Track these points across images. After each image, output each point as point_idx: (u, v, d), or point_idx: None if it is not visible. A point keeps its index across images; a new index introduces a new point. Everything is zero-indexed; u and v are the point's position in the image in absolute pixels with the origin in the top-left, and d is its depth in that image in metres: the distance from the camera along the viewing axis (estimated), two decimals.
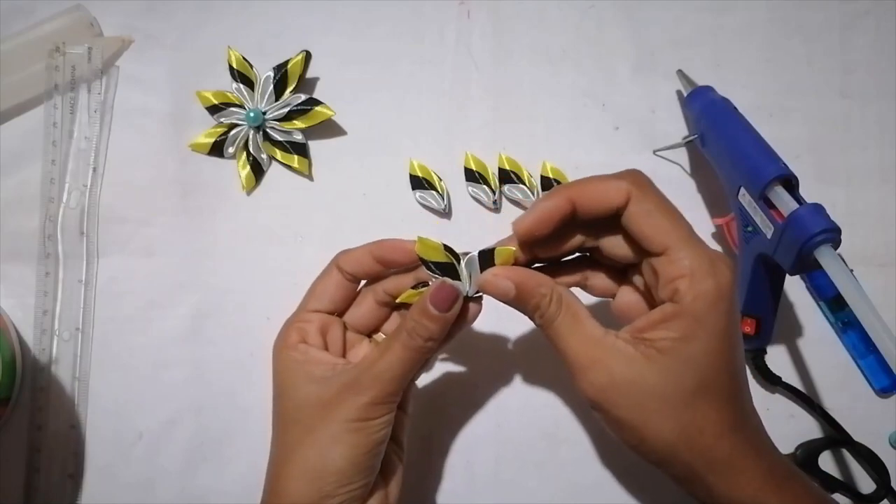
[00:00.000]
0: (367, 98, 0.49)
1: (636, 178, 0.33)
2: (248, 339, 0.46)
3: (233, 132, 0.48)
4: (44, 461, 0.44)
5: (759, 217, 0.40)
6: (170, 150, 0.48)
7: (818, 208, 0.37)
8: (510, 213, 0.48)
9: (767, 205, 0.40)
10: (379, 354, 0.34)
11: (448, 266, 0.35)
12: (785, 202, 0.39)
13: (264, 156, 0.48)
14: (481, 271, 0.35)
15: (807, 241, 0.36)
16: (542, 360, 0.46)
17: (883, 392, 0.46)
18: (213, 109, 0.48)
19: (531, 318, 0.35)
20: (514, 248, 0.34)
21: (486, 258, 0.35)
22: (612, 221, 0.34)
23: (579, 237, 0.35)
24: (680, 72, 0.48)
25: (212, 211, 0.47)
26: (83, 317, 0.46)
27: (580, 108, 0.49)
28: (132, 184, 0.47)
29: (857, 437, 0.45)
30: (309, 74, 0.48)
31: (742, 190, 0.41)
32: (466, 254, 0.35)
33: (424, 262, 0.35)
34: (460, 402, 0.46)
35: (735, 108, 0.45)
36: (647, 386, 0.32)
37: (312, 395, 0.34)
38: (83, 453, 0.45)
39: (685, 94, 0.47)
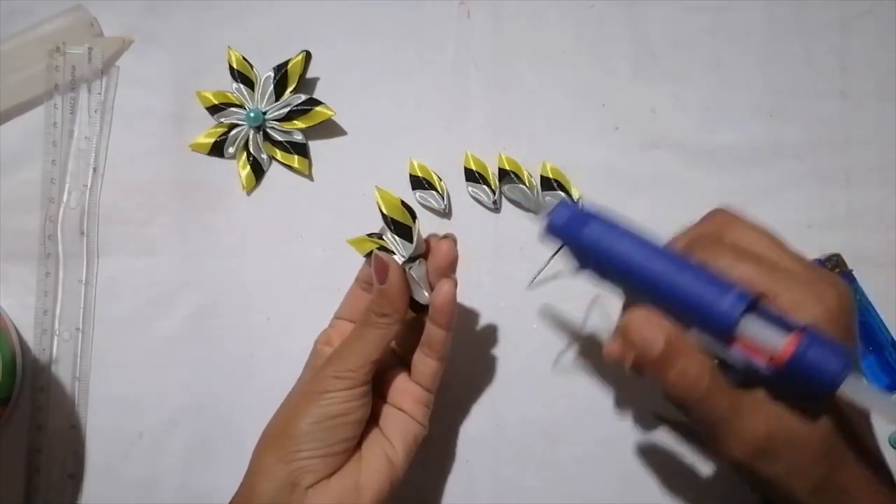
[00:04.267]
0: (367, 98, 0.49)
1: (711, 226, 0.31)
2: (248, 339, 0.46)
3: (233, 132, 0.48)
4: (44, 461, 0.44)
5: (730, 357, 0.29)
6: (170, 150, 0.48)
7: (830, 343, 0.27)
8: (510, 213, 0.48)
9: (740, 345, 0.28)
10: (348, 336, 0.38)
11: (404, 227, 0.38)
12: (770, 337, 0.28)
13: (264, 156, 0.48)
14: (406, 238, 0.38)
15: (829, 384, 0.27)
16: (542, 360, 0.46)
17: None
18: (213, 109, 0.48)
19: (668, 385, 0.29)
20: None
21: (401, 228, 0.38)
22: None
23: None
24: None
25: (212, 211, 0.47)
26: (83, 317, 0.46)
27: (580, 108, 0.49)
28: (132, 184, 0.47)
29: None
30: (309, 74, 0.48)
31: (694, 330, 0.29)
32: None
33: (385, 218, 0.38)
34: (459, 401, 0.46)
35: (619, 220, 0.31)
36: (798, 432, 0.28)
37: (305, 377, 0.39)
38: (83, 453, 0.45)
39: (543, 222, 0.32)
